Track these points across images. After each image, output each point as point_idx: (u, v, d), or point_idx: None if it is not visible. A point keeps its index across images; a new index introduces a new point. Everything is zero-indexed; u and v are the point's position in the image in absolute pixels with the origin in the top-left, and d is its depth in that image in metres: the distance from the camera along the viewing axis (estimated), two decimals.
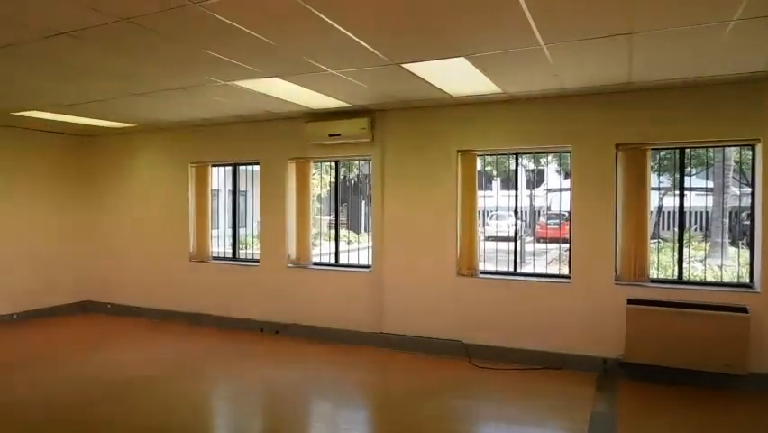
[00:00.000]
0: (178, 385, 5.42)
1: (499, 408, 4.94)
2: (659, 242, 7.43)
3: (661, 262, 5.93)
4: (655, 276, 5.81)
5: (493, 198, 7.68)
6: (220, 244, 8.59)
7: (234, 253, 8.10)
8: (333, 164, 7.39)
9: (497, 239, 7.50)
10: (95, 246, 8.91)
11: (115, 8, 3.32)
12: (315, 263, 7.36)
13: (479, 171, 6.48)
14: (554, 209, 13.03)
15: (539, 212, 13.46)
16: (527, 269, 6.56)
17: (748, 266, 5.50)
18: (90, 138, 8.87)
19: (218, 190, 9.53)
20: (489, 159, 6.91)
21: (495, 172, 9.86)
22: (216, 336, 7.35)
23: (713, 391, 5.08)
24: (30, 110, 6.58)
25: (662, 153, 5.88)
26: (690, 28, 3.70)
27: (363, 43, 4.02)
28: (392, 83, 5.29)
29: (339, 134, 6.59)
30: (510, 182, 9.09)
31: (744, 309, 4.99)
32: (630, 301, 5.37)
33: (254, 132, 7.45)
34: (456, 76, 5.02)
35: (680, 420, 4.58)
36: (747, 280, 5.46)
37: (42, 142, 8.32)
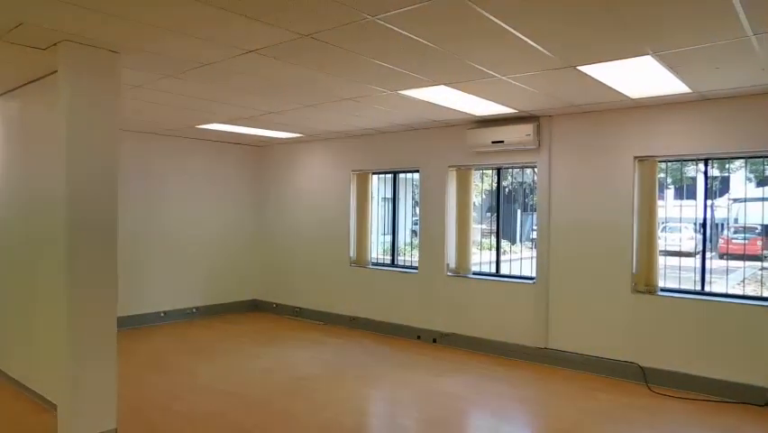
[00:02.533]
0: (342, 386, 5.62)
1: None
2: None
3: None
4: None
5: (667, 209, 7.04)
6: (375, 250, 8.82)
7: (393, 259, 8.26)
8: (493, 172, 7.23)
9: (673, 254, 6.83)
10: (263, 249, 9.61)
11: (297, 25, 3.50)
12: (475, 273, 7.25)
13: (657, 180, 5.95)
14: (742, 222, 11.63)
15: (723, 225, 12.11)
16: (714, 288, 5.85)
17: None
18: (262, 148, 9.60)
19: (372, 197, 9.80)
20: (663, 166, 6.32)
21: (669, 181, 9.03)
22: (374, 340, 7.54)
23: None
24: (213, 122, 7.26)
25: None
26: None
27: (537, 46, 3.85)
28: (564, 87, 5.03)
29: (502, 141, 6.43)
30: (686, 191, 8.26)
31: None
32: None
33: (415, 139, 7.55)
34: (638, 76, 4.64)
35: None
36: None
37: (221, 152, 9.16)
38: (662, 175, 9.00)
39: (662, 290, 5.80)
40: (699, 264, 5.72)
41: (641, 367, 5.72)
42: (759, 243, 9.22)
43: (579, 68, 4.42)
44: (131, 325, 7.94)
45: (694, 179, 5.78)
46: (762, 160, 5.47)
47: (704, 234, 5.84)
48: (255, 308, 9.63)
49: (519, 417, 5.11)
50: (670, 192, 10.84)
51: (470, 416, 5.11)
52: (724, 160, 6.36)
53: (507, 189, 12.39)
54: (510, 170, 7.33)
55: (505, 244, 11.92)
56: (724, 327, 5.33)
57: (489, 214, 9.99)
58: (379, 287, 8.01)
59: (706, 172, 5.72)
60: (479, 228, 9.91)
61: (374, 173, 8.34)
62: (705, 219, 5.76)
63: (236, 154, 9.44)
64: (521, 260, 6.99)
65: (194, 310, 8.83)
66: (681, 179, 7.92)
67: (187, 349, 7.01)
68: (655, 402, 5.23)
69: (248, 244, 9.63)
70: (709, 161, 5.72)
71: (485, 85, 4.96)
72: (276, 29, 3.56)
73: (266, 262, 9.57)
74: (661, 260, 5.91)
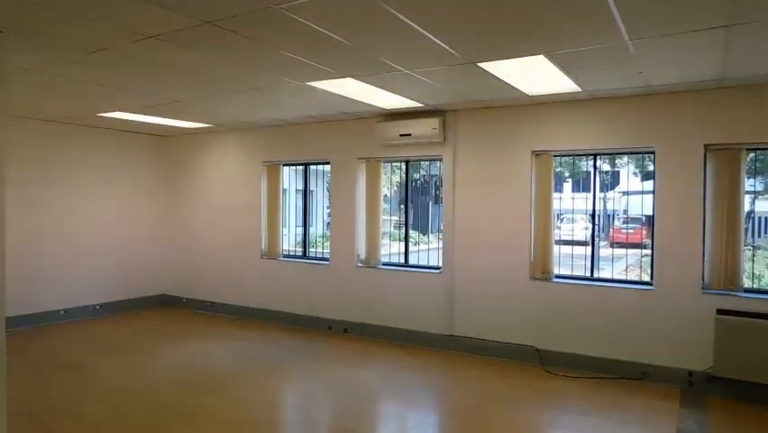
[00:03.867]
0: (253, 380, 5.55)
1: (576, 419, 4.74)
2: (752, 249, 6.95)
3: (754, 271, 5.52)
4: (748, 285, 5.42)
5: (564, 201, 7.44)
6: (288, 242, 8.73)
7: (304, 251, 8.22)
8: (402, 165, 7.36)
9: (568, 243, 7.23)
10: (171, 242, 9.27)
11: (200, 12, 3.39)
12: (385, 263, 7.35)
13: (553, 173, 6.26)
14: (630, 213, 12.50)
15: (613, 215, 12.95)
16: (603, 274, 6.27)
17: None
18: (168, 138, 9.23)
19: (286, 189, 9.69)
20: (559, 160, 6.67)
21: (567, 174, 9.54)
22: (286, 332, 7.48)
23: None
24: (114, 111, 6.89)
25: (752, 154, 5.46)
26: None
27: (440, 43, 3.96)
28: (467, 82, 5.20)
29: (410, 134, 6.54)
30: (582, 184, 8.78)
31: None
32: (720, 312, 5.04)
33: (325, 132, 7.52)
34: (534, 75, 4.87)
35: None
36: None
37: (124, 142, 8.73)
38: (560, 169, 9.51)
39: (557, 276, 6.15)
40: (594, 252, 6.09)
41: (537, 350, 6.04)
42: (643, 232, 9.94)
43: (479, 64, 4.57)
44: (25, 324, 7.43)
45: (588, 173, 6.12)
46: (644, 156, 5.88)
47: (593, 224, 6.22)
48: (164, 303, 9.27)
49: (426, 403, 5.26)
50: (568, 185, 11.46)
51: (380, 404, 5.19)
52: (612, 155, 6.80)
53: (419, 182, 12.63)
54: (421, 162, 7.48)
55: (417, 235, 12.14)
56: (608, 309, 5.73)
57: (401, 206, 10.15)
58: (290, 279, 7.95)
59: (595, 166, 6.09)
60: (391, 220, 10.05)
61: (285, 165, 8.24)
62: (594, 210, 6.13)
63: (143, 144, 9.02)
64: (435, 250, 7.13)
65: (98, 307, 8.38)
66: (578, 173, 8.37)
67: (90, 348, 6.66)
68: (550, 382, 5.54)
69: (156, 237, 9.25)
70: (599, 156, 6.08)
71: (391, 78, 5.03)
72: (176, 14, 3.42)
73: (175, 256, 9.23)
74: (558, 249, 6.25)
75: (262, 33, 3.81)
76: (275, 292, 8.06)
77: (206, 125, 8.04)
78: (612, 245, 10.64)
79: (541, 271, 6.10)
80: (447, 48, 4.09)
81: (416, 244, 11.21)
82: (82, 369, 5.82)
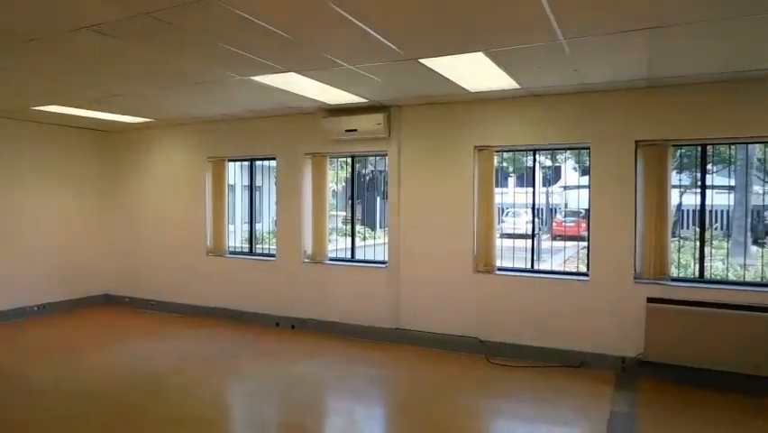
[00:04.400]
0: (200, 379, 5.44)
1: (517, 406, 4.88)
2: (679, 240, 7.28)
3: (681, 261, 5.80)
4: (676, 275, 5.69)
5: (509, 195, 7.61)
6: (236, 239, 8.60)
7: (251, 247, 8.11)
8: (349, 160, 7.35)
9: (512, 236, 7.40)
10: (113, 240, 8.97)
11: (136, 2, 3.29)
12: (332, 259, 7.34)
13: (495, 168, 6.39)
14: (571, 207, 12.89)
15: (555, 209, 13.32)
16: (544, 266, 6.45)
17: None
18: (110, 133, 8.92)
19: (234, 186, 9.54)
20: (505, 155, 6.83)
21: (511, 169, 9.76)
22: (233, 329, 7.37)
23: (737, 392, 4.95)
24: (51, 105, 6.61)
25: (682, 150, 5.72)
26: (718, 22, 3.59)
27: (380, 38, 3.97)
28: (409, 78, 5.23)
29: (355, 130, 6.54)
30: (526, 179, 9.00)
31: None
32: (650, 300, 5.27)
33: (271, 127, 7.43)
34: (474, 71, 4.95)
35: (702, 420, 4.48)
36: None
37: (64, 137, 8.38)
38: (505, 164, 9.74)
39: (499, 269, 6.28)
40: (535, 245, 6.25)
41: (481, 341, 6.16)
42: (582, 225, 10.27)
43: (421, 61, 4.61)
44: None
45: (532, 168, 6.28)
46: (581, 151, 6.07)
47: (533, 218, 6.39)
48: (107, 302, 8.97)
49: (372, 396, 5.28)
50: (513, 180, 11.73)
51: (327, 399, 5.19)
52: (551, 150, 6.99)
53: (367, 177, 12.66)
54: (369, 158, 7.49)
55: (364, 230, 12.20)
56: (547, 300, 5.90)
57: (350, 201, 10.14)
58: (237, 276, 7.83)
59: (534, 162, 6.25)
60: (339, 215, 10.03)
61: (231, 160, 8.10)
62: (534, 205, 6.28)
63: (84, 139, 8.67)
64: (382, 245, 7.15)
65: (36, 309, 8.03)
66: (524, 169, 8.57)
67: (26, 350, 6.38)
68: (492, 372, 5.66)
69: (98, 235, 8.92)
70: (539, 152, 6.24)
71: (335, 74, 5.01)
72: (112, 3, 3.30)
73: (119, 254, 8.94)
74: (505, 242, 6.37)
75: (202, 26, 3.73)
76: (221, 289, 7.92)
77: (150, 120, 7.81)
78: (554, 238, 10.96)
79: (484, 264, 6.22)
80: (389, 44, 4.10)
81: (365, 239, 11.26)
82: (15, 373, 5.57)
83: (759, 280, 5.54)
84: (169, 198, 8.42)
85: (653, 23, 3.63)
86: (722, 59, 4.48)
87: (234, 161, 8.15)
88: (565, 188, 13.67)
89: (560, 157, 11.20)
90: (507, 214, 11.69)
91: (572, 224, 11.52)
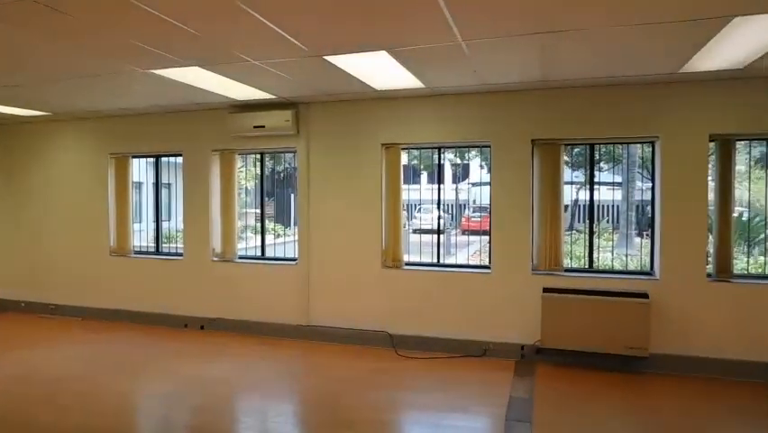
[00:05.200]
0: (104, 384, 5.15)
1: (423, 396, 4.97)
2: (573, 233, 7.69)
3: (575, 253, 6.14)
4: (570, 266, 6.02)
5: (420, 192, 7.74)
6: (145, 238, 8.21)
7: (157, 246, 7.76)
8: (259, 156, 7.20)
9: (424, 231, 7.53)
10: (7, 242, 8.30)
11: None
12: (241, 257, 7.17)
13: (406, 165, 6.48)
14: (479, 203, 13.33)
15: (464, 205, 13.70)
16: (453, 260, 6.62)
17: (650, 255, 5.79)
18: (2, 127, 8.24)
19: (142, 183, 9.10)
20: (415, 153, 6.93)
21: (422, 166, 9.92)
22: (139, 332, 7.03)
23: (621, 372, 5.34)
24: None
25: (576, 149, 6.05)
26: (603, 30, 3.80)
27: (284, 34, 3.90)
28: (315, 75, 5.19)
29: (263, 126, 6.42)
30: (436, 176, 9.19)
31: (645, 295, 5.27)
32: (545, 290, 5.55)
33: (177, 122, 7.14)
34: (379, 69, 4.97)
35: (590, 400, 4.78)
36: (649, 269, 5.75)
37: None
38: (416, 162, 9.90)
39: (407, 264, 6.38)
40: (443, 240, 6.39)
41: (390, 334, 6.23)
42: (488, 220, 10.61)
43: (326, 58, 4.57)
44: None
45: (438, 165, 6.41)
46: (485, 149, 6.26)
47: (439, 214, 6.53)
48: (0, 309, 8.31)
49: (281, 393, 5.20)
50: (425, 177, 11.95)
51: (237, 398, 5.06)
52: (455, 148, 7.17)
53: (282, 174, 12.46)
54: (284, 154, 7.36)
55: (275, 226, 12.01)
56: (453, 292, 6.06)
57: (266, 198, 9.95)
58: (143, 276, 7.48)
59: (440, 159, 6.38)
60: (252, 213, 9.82)
61: (135, 157, 7.72)
62: (440, 201, 6.42)
63: None
64: (286, 244, 7.07)
65: None
66: (431, 165, 8.73)
67: None
68: (401, 364, 5.75)
69: None
70: (443, 149, 6.39)
71: (240, 69, 4.88)
72: None
73: (12, 257, 8.28)
74: (418, 237, 6.46)
75: (94, 15, 3.51)
76: (127, 290, 7.54)
77: (44, 114, 7.28)
78: (463, 233, 11.27)
79: (392, 259, 6.30)
80: (293, 40, 4.05)
81: (279, 236, 11.09)
82: None
83: (640, 268, 5.97)
84: (68, 196, 7.89)
85: (544, 29, 3.79)
86: (606, 64, 4.75)
87: (139, 157, 7.76)
88: (473, 184, 14.09)
89: (468, 155, 11.52)
90: (419, 210, 11.90)
91: (480, 219, 11.88)
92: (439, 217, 6.48)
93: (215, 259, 7.08)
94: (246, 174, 10.17)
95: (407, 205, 10.92)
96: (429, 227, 8.83)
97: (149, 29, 3.77)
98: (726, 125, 5.22)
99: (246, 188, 10.20)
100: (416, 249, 6.79)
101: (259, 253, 7.23)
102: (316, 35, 3.99)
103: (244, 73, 5.05)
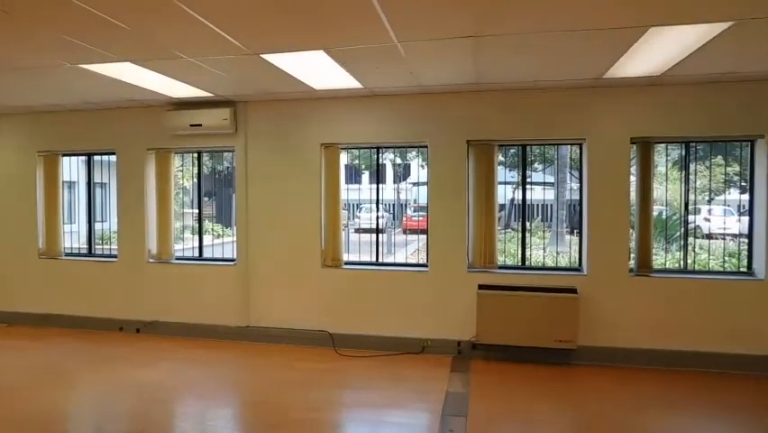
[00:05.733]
0: (32, 394, 4.90)
1: (362, 394, 4.99)
2: (506, 232, 7.90)
3: (510, 251, 6.31)
4: (505, 263, 6.19)
5: (363, 192, 7.76)
6: (79, 239, 7.86)
7: (90, 248, 7.45)
8: (197, 155, 7.03)
9: (365, 231, 7.56)
10: None
11: None
12: (179, 258, 6.99)
13: (348, 165, 6.47)
14: (419, 202, 13.51)
15: (406, 205, 13.83)
16: (393, 259, 6.67)
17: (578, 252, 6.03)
18: None
19: (74, 182, 8.71)
20: (356, 153, 6.95)
21: (363, 166, 9.96)
22: (71, 337, 6.73)
23: (552, 364, 5.54)
24: None
25: (512, 150, 6.21)
26: (533, 35, 3.92)
27: (221, 32, 3.84)
28: (253, 73, 5.12)
29: (200, 125, 6.28)
30: (379, 176, 9.23)
31: (574, 290, 5.48)
32: (480, 287, 5.68)
33: (111, 120, 6.88)
34: (317, 69, 4.96)
35: (522, 392, 4.92)
36: (577, 265, 5.98)
37: None
38: (357, 161, 9.94)
39: (347, 263, 6.39)
40: (384, 239, 6.42)
41: (330, 334, 6.22)
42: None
43: (263, 56, 4.52)
44: None
45: (377, 165, 6.44)
46: (424, 149, 6.33)
47: (377, 214, 6.56)
48: None
49: (217, 396, 5.08)
50: (367, 177, 12.00)
51: (174, 403, 4.91)
52: (394, 148, 7.24)
53: (223, 174, 12.20)
54: (224, 153, 7.20)
55: (213, 226, 11.74)
56: (392, 291, 6.12)
57: (206, 198, 9.72)
58: (75, 279, 7.16)
59: (378, 159, 6.42)
60: (191, 213, 9.58)
61: (65, 155, 7.38)
62: (379, 200, 6.46)
63: None
64: (224, 244, 6.93)
65: None
66: (375, 166, 8.76)
67: None
68: (340, 363, 5.75)
69: None
70: (382, 149, 6.43)
71: (174, 65, 4.76)
72: None
73: None
74: (356, 237, 6.45)
75: (20, 6, 3.34)
76: (57, 294, 7.20)
77: None
78: (404, 232, 11.38)
79: (332, 258, 6.29)
80: (231, 39, 3.99)
81: (219, 236, 10.85)
82: None
83: (570, 265, 6.20)
84: None
85: (476, 33, 3.88)
86: (535, 68, 4.91)
87: (69, 155, 7.43)
88: (414, 184, 14.25)
89: (409, 155, 11.65)
90: (361, 210, 11.94)
91: (420, 218, 12.05)
92: (377, 217, 6.51)
93: (152, 260, 6.87)
94: (185, 174, 9.92)
95: (349, 204, 10.96)
96: (369, 227, 8.88)
97: (79, 24, 3.64)
98: (645, 129, 5.51)
99: (184, 187, 9.94)
100: (360, 248, 6.78)
101: (197, 254, 7.06)
102: (253, 34, 3.95)
103: (180, 70, 4.93)
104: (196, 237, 7.22)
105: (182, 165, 7.89)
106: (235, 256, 6.64)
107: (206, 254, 7.07)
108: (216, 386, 5.26)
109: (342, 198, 6.35)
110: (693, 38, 3.96)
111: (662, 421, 4.39)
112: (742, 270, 5.71)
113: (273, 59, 4.61)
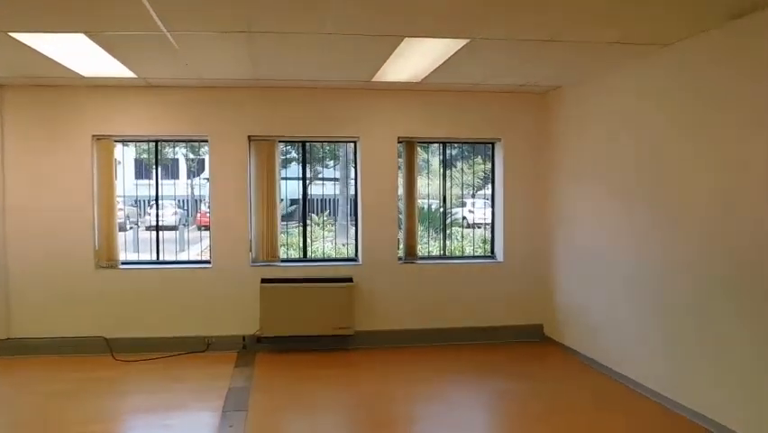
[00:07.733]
0: None
1: (141, 399, 4.70)
2: (299, 226, 8.02)
3: (297, 244, 6.45)
4: (288, 256, 6.34)
5: (153, 187, 7.22)
6: None
7: None
8: None
9: (156, 228, 7.12)
10: None
11: None
12: None
13: (137, 159, 6.03)
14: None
15: (200, 200, 13.30)
16: (187, 256, 6.38)
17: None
18: None
19: None
20: (145, 147, 6.50)
21: (153, 161, 9.38)
22: None
23: (332, 351, 5.80)
24: None
25: (308, 145, 6.32)
26: (300, 36, 4.03)
27: None
28: (5, 54, 4.48)
29: None
30: (171, 171, 8.78)
31: (350, 279, 5.83)
32: (263, 280, 5.73)
33: None
34: (81, 54, 4.51)
35: (303, 380, 5.07)
36: (354, 255, 6.34)
37: None
38: (146, 156, 9.29)
39: (124, 263, 5.96)
40: (176, 236, 6.09)
41: (106, 339, 5.73)
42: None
43: (12, 35, 3.98)
44: None
45: (176, 159, 6.08)
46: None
47: (156, 210, 6.22)
48: None
49: None
50: (159, 172, 11.26)
51: None
52: (173, 142, 6.93)
53: None
54: None
55: None
56: (173, 289, 5.85)
57: None
58: None
59: (157, 153, 6.08)
60: None
61: None
62: (157, 196, 6.13)
63: None
64: None
65: None
66: (165, 160, 8.28)
67: None
68: (118, 370, 5.36)
69: None
70: (161, 143, 6.13)
71: None
72: None
73: None
74: (147, 234, 5.99)
75: None
76: None
77: None
78: (199, 228, 10.93)
79: (107, 258, 5.80)
80: None
81: None
82: None
83: (347, 256, 6.52)
84: None
85: (245, 28, 3.87)
86: (309, 67, 5.05)
87: None
88: (208, 179, 13.77)
89: (202, 150, 11.25)
90: (151, 206, 11.18)
91: None
92: (157, 215, 6.18)
93: None
94: None
95: (138, 201, 10.18)
96: (162, 224, 8.35)
97: None
98: (410, 130, 6.08)
99: None
100: (152, 247, 6.32)
101: None
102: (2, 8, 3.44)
103: None
104: None
105: None
106: None
107: None
108: None
109: (117, 195, 5.89)
110: (440, 51, 4.46)
111: (426, 392, 4.90)
112: (487, 254, 6.59)
113: (26, 38, 4.09)
